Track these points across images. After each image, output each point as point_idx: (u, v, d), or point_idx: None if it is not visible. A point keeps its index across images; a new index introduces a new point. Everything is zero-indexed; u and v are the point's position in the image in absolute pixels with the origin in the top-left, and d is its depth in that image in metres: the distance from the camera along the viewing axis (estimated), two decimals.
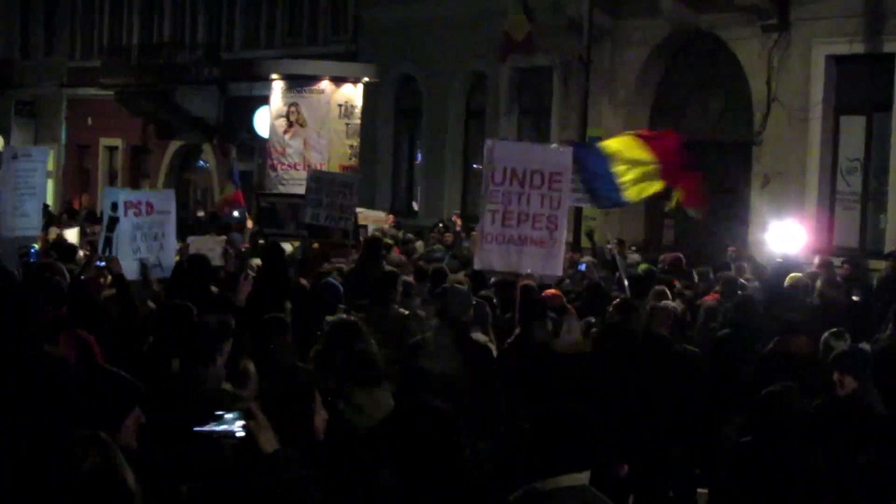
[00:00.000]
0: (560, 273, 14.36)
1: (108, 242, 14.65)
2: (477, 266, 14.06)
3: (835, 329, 11.66)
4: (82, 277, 13.97)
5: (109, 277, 13.11)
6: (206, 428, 4.89)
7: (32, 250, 15.40)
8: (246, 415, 4.90)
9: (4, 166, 16.29)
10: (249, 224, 24.50)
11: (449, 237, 23.14)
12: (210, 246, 15.11)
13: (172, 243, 14.33)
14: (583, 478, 5.82)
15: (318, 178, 20.22)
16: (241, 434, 4.90)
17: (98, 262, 14.45)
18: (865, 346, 11.32)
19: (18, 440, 6.37)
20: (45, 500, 5.59)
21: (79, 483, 5.63)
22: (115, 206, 14.64)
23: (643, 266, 18.18)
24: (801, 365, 11.04)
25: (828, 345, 11.22)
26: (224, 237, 19.68)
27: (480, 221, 13.30)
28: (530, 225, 13.01)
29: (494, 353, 11.02)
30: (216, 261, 14.33)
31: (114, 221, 14.61)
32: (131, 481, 5.74)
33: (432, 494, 5.53)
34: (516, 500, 5.89)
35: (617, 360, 11.22)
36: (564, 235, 13.49)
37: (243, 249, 20.47)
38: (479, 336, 10.93)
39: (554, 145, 16.02)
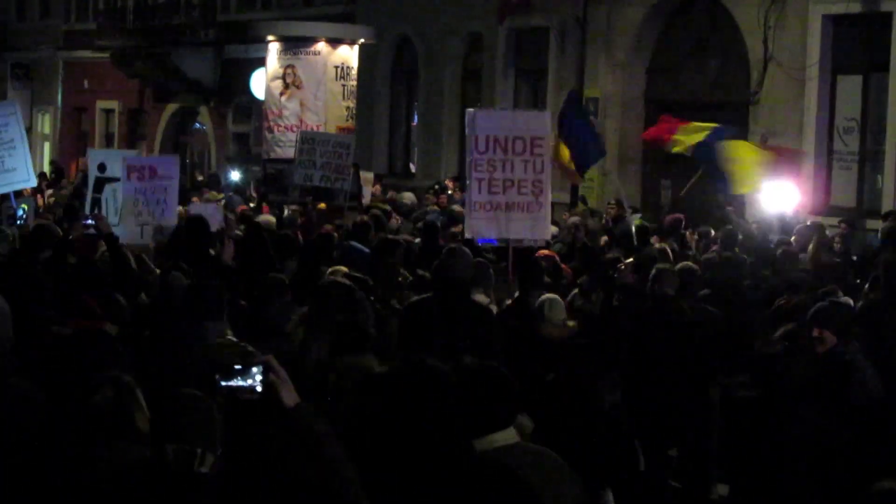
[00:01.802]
0: (548, 237, 14.50)
1: (97, 203, 14.67)
2: (467, 235, 14.12)
3: (826, 288, 11.67)
4: (70, 238, 13.99)
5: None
6: (230, 383, 4.81)
7: (20, 213, 15.35)
8: (265, 368, 4.83)
9: None
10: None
11: (443, 199, 23.17)
12: (210, 212, 15.10)
13: (174, 207, 14.35)
14: (508, 436, 5.78)
15: (310, 139, 20.07)
16: (260, 389, 4.82)
17: (85, 222, 14.48)
18: (847, 299, 11.26)
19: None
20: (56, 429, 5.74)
21: (87, 414, 5.76)
22: (102, 167, 14.65)
23: (637, 221, 18.27)
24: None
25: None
26: (223, 202, 19.58)
27: (467, 191, 13.47)
28: (516, 191, 13.23)
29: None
30: (216, 226, 14.33)
31: (101, 182, 14.63)
32: (142, 422, 5.84)
33: (421, 454, 5.55)
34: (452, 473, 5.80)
35: (632, 320, 11.32)
36: (550, 199, 13.63)
37: (239, 211, 20.51)
38: (480, 297, 10.94)
39: (533, 112, 16.18)
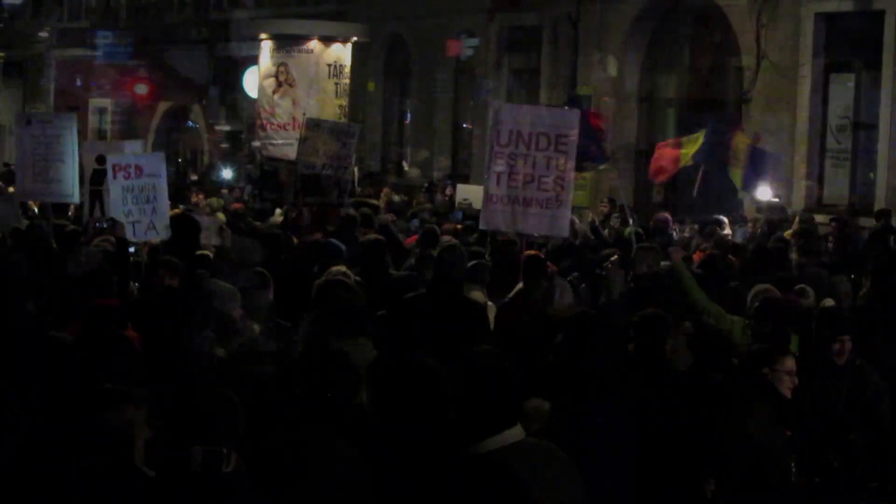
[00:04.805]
0: (566, 234, 14.32)
1: (97, 196, 14.65)
2: (482, 226, 14.03)
3: (800, 286, 11.71)
4: (81, 240, 13.99)
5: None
6: None
7: None
8: None
9: (18, 131, 16.28)
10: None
11: (440, 199, 23.19)
12: (206, 225, 15.02)
13: (165, 205, 14.29)
14: (515, 433, 5.76)
15: (315, 125, 19.94)
16: None
17: (98, 224, 14.46)
18: (830, 301, 11.19)
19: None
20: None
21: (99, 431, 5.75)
22: (101, 160, 14.59)
23: (629, 230, 18.24)
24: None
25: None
26: (219, 217, 19.37)
27: (486, 183, 13.28)
28: (536, 186, 12.98)
29: (491, 313, 10.98)
30: (212, 240, 14.26)
31: (99, 174, 14.58)
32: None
33: (411, 449, 5.53)
34: (449, 474, 5.69)
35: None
36: (571, 196, 13.46)
37: (233, 208, 20.52)
38: (477, 295, 10.89)
39: (563, 108, 16.12)
